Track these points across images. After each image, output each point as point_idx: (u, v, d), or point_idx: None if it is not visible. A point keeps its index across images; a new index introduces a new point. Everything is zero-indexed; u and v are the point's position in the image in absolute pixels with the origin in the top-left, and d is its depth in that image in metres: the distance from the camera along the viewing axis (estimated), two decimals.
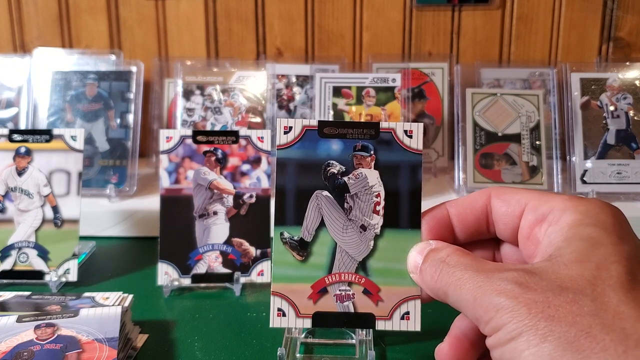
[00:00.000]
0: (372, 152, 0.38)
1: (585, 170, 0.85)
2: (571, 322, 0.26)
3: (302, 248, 0.38)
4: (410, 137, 0.38)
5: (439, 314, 0.52)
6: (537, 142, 0.86)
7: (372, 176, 0.38)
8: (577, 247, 0.29)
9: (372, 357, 0.48)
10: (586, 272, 0.28)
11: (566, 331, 0.26)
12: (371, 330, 0.51)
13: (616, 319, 0.26)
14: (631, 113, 0.87)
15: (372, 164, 0.38)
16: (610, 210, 0.31)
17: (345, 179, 0.38)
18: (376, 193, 0.38)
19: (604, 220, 0.30)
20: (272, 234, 0.64)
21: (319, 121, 0.38)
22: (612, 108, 0.87)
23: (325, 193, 0.38)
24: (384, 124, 0.38)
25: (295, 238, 0.38)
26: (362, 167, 0.38)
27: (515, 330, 0.27)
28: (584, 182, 0.85)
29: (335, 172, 0.38)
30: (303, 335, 0.53)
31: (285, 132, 0.38)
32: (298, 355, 0.51)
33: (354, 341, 0.53)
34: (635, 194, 0.84)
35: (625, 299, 0.26)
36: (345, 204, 0.38)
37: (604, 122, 0.87)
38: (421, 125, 0.38)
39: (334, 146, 0.38)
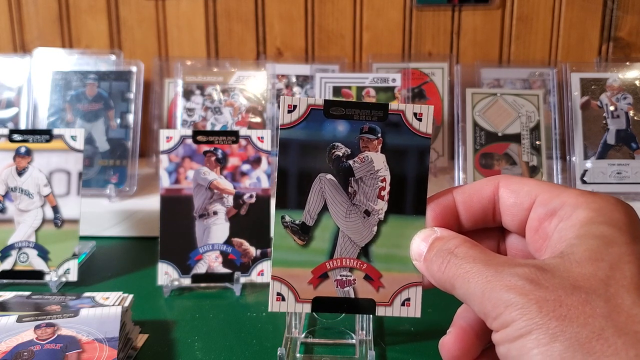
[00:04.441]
0: (379, 135, 0.37)
1: (585, 170, 0.85)
2: (583, 323, 0.25)
3: (304, 232, 0.37)
4: (420, 120, 0.37)
5: (439, 314, 0.52)
6: (537, 142, 0.86)
7: (379, 160, 0.37)
8: (590, 245, 0.28)
9: (372, 357, 0.48)
10: (599, 271, 0.27)
11: (577, 332, 0.25)
12: (371, 330, 0.51)
13: (629, 322, 0.25)
14: (631, 113, 0.87)
15: (379, 147, 0.37)
16: (624, 208, 0.30)
17: (351, 162, 0.37)
18: (382, 178, 0.37)
19: (617, 219, 0.29)
20: (272, 233, 0.64)
21: (325, 100, 0.37)
22: (612, 108, 0.87)
23: (329, 176, 0.37)
24: (393, 106, 0.37)
25: (297, 222, 0.37)
26: (369, 151, 0.37)
27: (525, 328, 0.26)
28: (584, 182, 0.85)
29: (341, 154, 0.37)
30: (303, 335, 0.53)
31: (289, 111, 0.36)
32: (298, 355, 0.51)
33: (354, 341, 0.53)
34: (635, 194, 0.84)
35: (639, 301, 0.26)
36: (350, 188, 0.37)
37: (604, 122, 0.87)
38: (431, 107, 0.37)
39: (340, 127, 0.37)
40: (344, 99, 0.88)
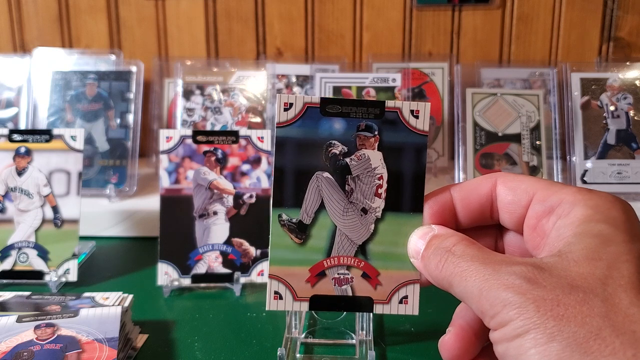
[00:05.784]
0: (376, 133, 0.37)
1: (586, 170, 0.85)
2: (580, 323, 0.25)
3: (301, 231, 0.37)
4: (417, 117, 0.37)
5: (439, 314, 0.52)
6: (537, 142, 0.86)
7: (375, 158, 0.37)
8: (588, 244, 0.28)
9: (372, 357, 0.48)
10: (597, 270, 0.27)
11: (575, 332, 0.25)
12: (371, 330, 0.51)
13: (627, 322, 0.25)
14: (631, 113, 0.87)
15: (376, 144, 0.37)
16: (622, 206, 0.30)
17: (347, 160, 0.37)
18: (379, 175, 0.37)
19: (615, 217, 0.29)
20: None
21: (322, 98, 0.36)
22: (612, 108, 0.87)
23: (326, 174, 0.37)
24: (389, 103, 0.37)
25: (294, 220, 0.37)
26: (365, 148, 0.37)
27: (522, 327, 0.26)
28: (584, 182, 0.85)
29: (337, 152, 0.37)
30: (303, 335, 0.53)
31: (286, 109, 0.36)
32: (298, 355, 0.51)
33: (354, 341, 0.53)
34: (635, 194, 0.84)
35: (637, 301, 0.26)
36: (347, 186, 0.37)
37: (604, 122, 0.87)
38: (428, 105, 0.37)
39: (337, 125, 0.37)
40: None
